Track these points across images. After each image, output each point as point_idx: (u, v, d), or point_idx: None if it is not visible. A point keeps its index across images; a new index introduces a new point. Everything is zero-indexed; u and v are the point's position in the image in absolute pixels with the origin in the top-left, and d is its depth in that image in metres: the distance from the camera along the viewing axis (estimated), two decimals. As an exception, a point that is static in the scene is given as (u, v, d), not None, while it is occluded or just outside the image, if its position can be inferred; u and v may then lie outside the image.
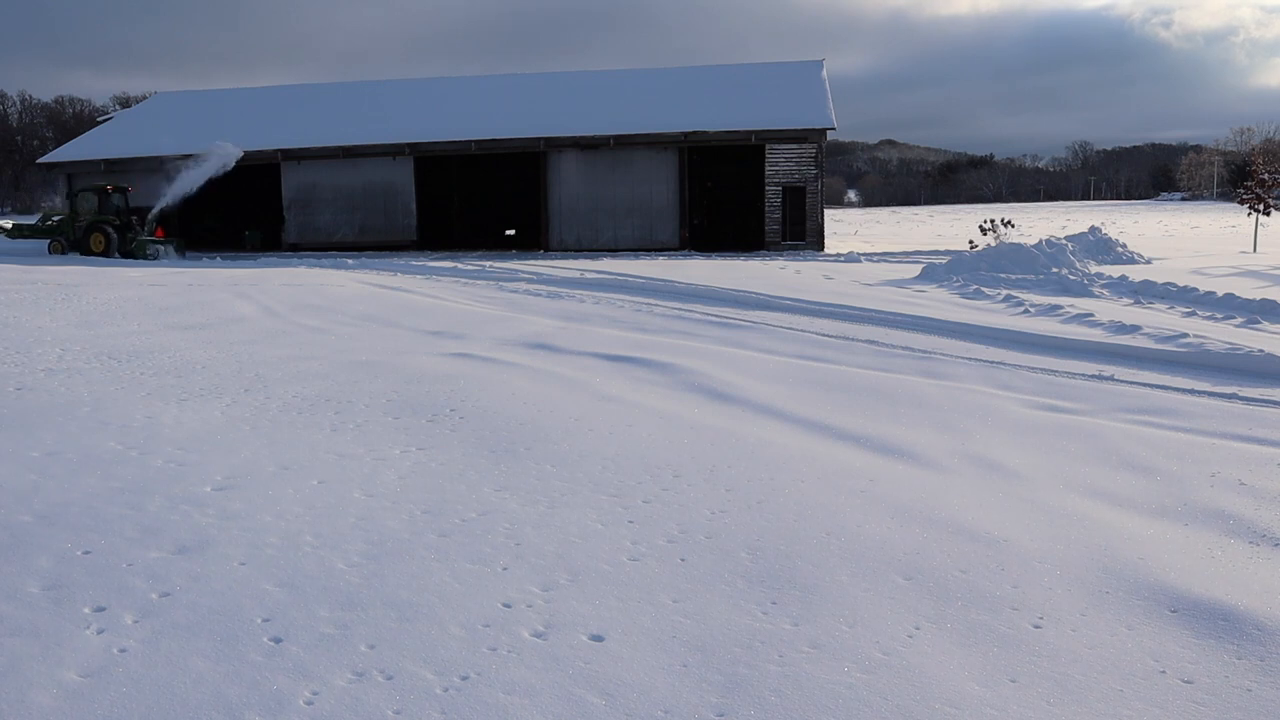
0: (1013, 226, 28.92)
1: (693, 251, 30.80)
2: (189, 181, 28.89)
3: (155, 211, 29.32)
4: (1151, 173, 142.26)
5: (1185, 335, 11.08)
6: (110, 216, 29.30)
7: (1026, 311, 13.99)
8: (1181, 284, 16.37)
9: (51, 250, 29.85)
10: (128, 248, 28.80)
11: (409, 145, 33.15)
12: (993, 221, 28.18)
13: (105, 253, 28.78)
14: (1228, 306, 14.10)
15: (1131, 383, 8.88)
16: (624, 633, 3.82)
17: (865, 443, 6.70)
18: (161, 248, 28.88)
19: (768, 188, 31.22)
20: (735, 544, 4.74)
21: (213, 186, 32.58)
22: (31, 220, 33.83)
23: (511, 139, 32.16)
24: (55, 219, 31.20)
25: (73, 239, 29.64)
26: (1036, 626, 3.90)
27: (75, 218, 29.88)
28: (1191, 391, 8.48)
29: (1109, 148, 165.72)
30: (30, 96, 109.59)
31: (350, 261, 26.24)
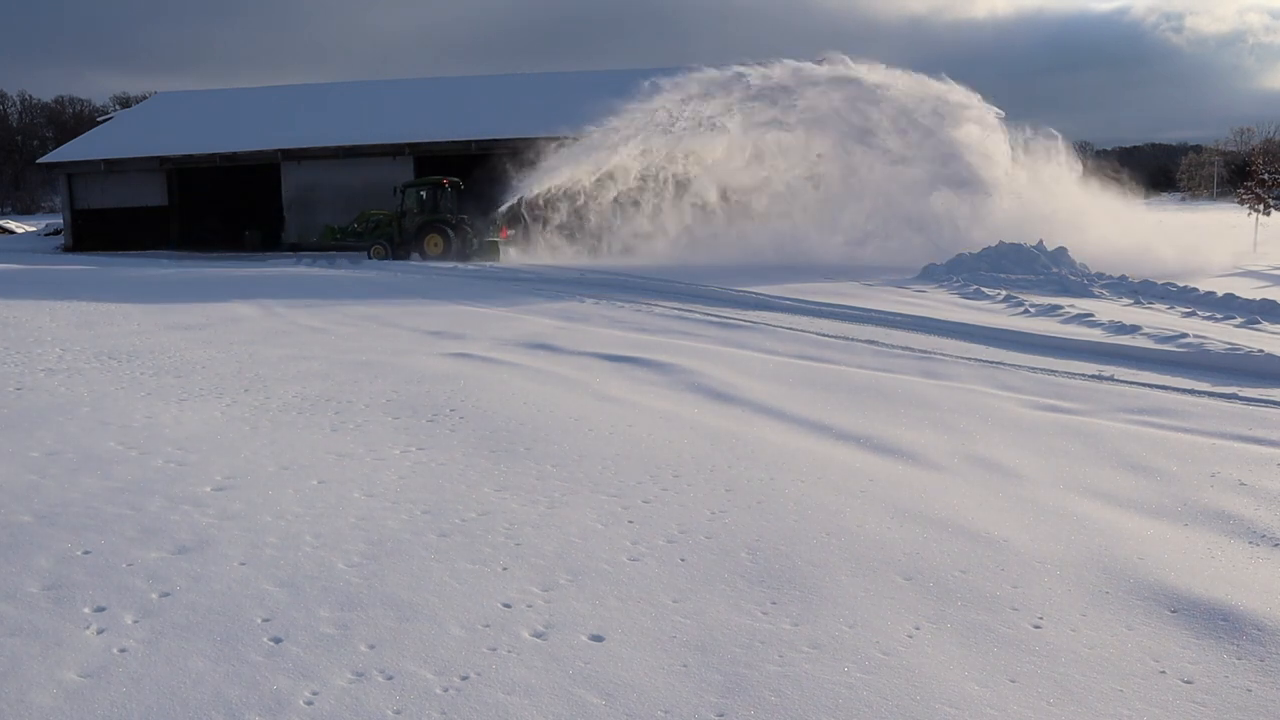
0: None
1: (693, 251, 30.74)
2: (547, 172, 25.65)
3: (505, 209, 26.31)
4: (1151, 173, 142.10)
5: (1185, 335, 11.09)
6: (446, 215, 26.39)
7: (1026, 312, 13.99)
8: (1181, 284, 16.37)
9: (373, 255, 26.39)
10: (468, 249, 25.69)
11: (409, 145, 33.15)
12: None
13: (443, 255, 25.36)
14: (1227, 306, 14.09)
15: (1131, 383, 8.88)
16: (624, 633, 3.82)
17: (865, 443, 6.70)
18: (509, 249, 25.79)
19: (768, 187, 31.17)
20: (735, 544, 4.74)
21: (213, 186, 32.42)
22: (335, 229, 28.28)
23: (513, 138, 32.13)
24: (374, 219, 27.49)
25: (399, 241, 26.46)
26: (1036, 626, 3.90)
27: (402, 217, 26.74)
28: (1191, 391, 8.47)
29: (1109, 148, 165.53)
30: (30, 96, 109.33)
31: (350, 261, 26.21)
